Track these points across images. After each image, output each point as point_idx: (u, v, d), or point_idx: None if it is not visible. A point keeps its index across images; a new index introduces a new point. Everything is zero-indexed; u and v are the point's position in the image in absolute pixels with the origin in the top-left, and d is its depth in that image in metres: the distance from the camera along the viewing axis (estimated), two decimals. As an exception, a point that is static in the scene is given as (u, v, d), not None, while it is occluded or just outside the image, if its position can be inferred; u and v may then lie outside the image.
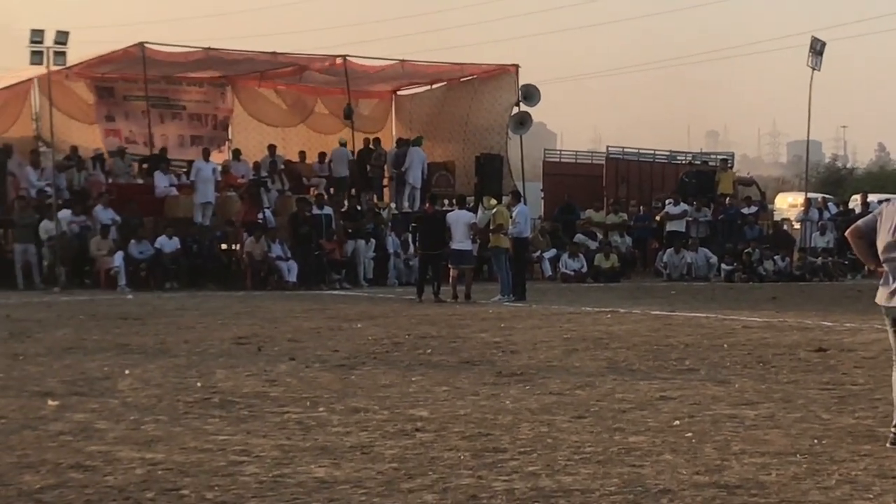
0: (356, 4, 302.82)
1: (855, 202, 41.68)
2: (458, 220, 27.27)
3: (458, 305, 25.50)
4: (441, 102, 40.36)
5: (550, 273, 34.31)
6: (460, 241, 26.99)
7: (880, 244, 10.79)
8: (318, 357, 16.30)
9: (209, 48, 35.47)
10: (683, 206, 36.30)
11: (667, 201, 37.08)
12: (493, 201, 29.14)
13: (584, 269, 33.33)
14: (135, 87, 36.77)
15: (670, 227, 35.92)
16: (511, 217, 27.66)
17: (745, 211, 37.70)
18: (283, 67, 38.03)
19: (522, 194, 36.87)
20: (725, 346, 17.71)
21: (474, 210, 30.12)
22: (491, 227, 28.01)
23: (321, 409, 12.12)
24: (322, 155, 38.12)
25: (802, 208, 39.79)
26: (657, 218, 36.91)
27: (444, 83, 40.47)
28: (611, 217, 36.72)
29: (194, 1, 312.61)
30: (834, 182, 67.60)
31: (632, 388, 13.54)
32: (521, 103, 37.61)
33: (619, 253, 34.56)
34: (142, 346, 17.59)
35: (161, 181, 33.62)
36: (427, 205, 29.21)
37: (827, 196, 50.10)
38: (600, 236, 35.84)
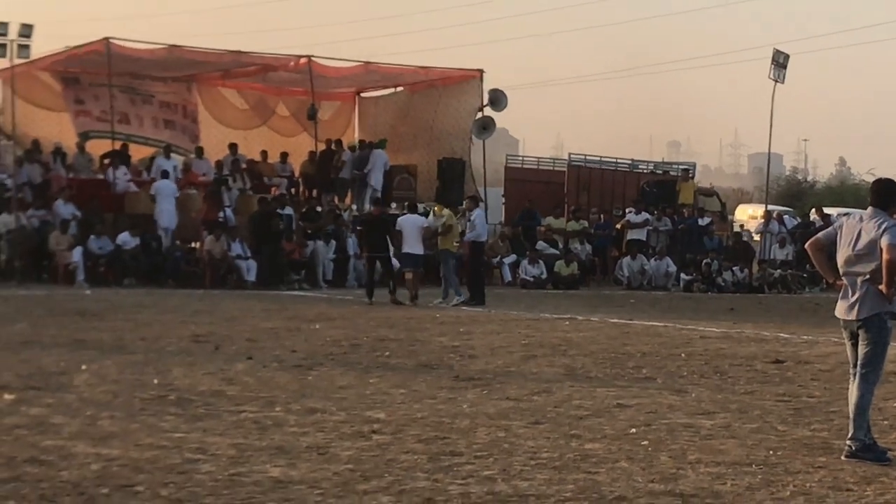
0: (322, 5, 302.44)
1: (813, 216, 41.90)
2: (410, 224, 27.44)
3: (417, 308, 25.49)
4: (405, 106, 40.34)
5: (510, 278, 34.33)
6: (411, 245, 27.16)
7: (840, 257, 10.87)
8: (275, 357, 16.28)
9: (173, 46, 35.34)
10: (645, 215, 36.42)
11: (627, 210, 37.19)
12: (445, 210, 29.07)
13: (544, 276, 33.37)
14: (101, 80, 36.57)
15: (631, 235, 36.02)
16: (470, 220, 27.75)
17: (705, 222, 37.85)
18: (246, 67, 37.91)
19: (484, 199, 36.94)
20: (683, 355, 17.77)
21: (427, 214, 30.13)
22: (440, 230, 28.03)
23: (278, 408, 12.10)
24: (284, 155, 38.06)
25: (762, 220, 39.97)
26: (618, 226, 36.99)
27: (409, 86, 40.45)
28: (571, 224, 36.76)
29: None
30: (794, 195, 67.93)
31: (589, 395, 13.57)
32: (486, 108, 37.63)
33: (579, 260, 34.60)
34: (99, 342, 17.53)
35: (121, 176, 33.52)
36: (373, 207, 29.32)
37: (787, 209, 50.43)
38: (561, 243, 35.86)
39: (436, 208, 29.59)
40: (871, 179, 56.50)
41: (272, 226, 31.32)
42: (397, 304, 26.14)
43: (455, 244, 28.01)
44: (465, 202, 29.85)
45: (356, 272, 32.09)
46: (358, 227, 31.11)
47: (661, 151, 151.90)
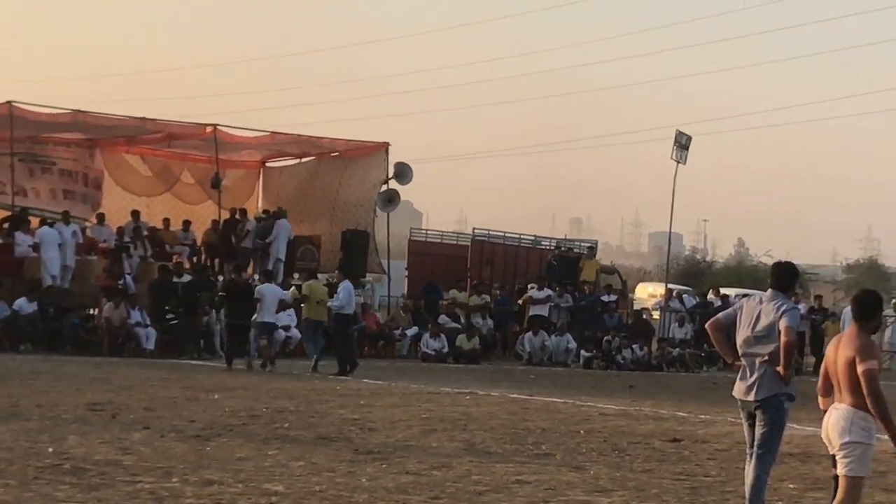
0: (229, 74, 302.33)
1: (712, 296, 42.32)
2: (270, 293, 27.96)
3: (317, 380, 25.35)
4: (310, 176, 40.34)
5: (406, 351, 34.30)
6: (268, 313, 27.72)
7: (739, 338, 11.01)
8: (173, 427, 16.10)
9: (78, 111, 35.10)
10: (547, 291, 36.60)
11: (530, 286, 37.34)
12: (312, 281, 29.43)
13: (446, 350, 33.38)
14: (1, 145, 36.12)
15: (533, 311, 36.15)
16: (337, 292, 28.01)
17: (606, 299, 38.12)
18: (152, 133, 37.72)
19: (387, 271, 36.99)
20: (582, 432, 17.83)
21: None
22: (293, 300, 29.54)
23: (174, 479, 11.96)
24: (186, 223, 37.84)
25: (662, 298, 40.32)
26: (520, 301, 37.12)
27: (314, 157, 40.47)
28: (474, 298, 36.84)
29: (66, 62, 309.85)
30: (693, 274, 68.43)
31: (488, 470, 13.56)
32: (391, 181, 37.75)
33: (481, 335, 34.67)
34: (-8, 409, 17.24)
35: (21, 241, 33.07)
36: (234, 274, 29.72)
37: (686, 288, 50.84)
38: (462, 317, 35.91)
39: (304, 286, 29.91)
40: (768, 261, 57.49)
41: (199, 296, 31.14)
42: (250, 370, 26.84)
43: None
44: (336, 272, 30.20)
45: (256, 342, 31.85)
46: (221, 294, 31.10)
47: (563, 228, 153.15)
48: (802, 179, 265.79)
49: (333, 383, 24.71)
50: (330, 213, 38.87)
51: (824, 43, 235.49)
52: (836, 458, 9.62)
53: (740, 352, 11.00)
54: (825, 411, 9.83)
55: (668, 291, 39.97)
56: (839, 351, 9.57)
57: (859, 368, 9.33)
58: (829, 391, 9.78)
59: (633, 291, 54.49)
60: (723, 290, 42.71)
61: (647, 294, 55.54)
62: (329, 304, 28.28)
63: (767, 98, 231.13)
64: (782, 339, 10.60)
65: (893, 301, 38.85)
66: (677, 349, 35.24)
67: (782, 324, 10.65)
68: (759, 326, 10.83)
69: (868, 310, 9.77)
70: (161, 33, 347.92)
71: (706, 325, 11.53)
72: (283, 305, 29.02)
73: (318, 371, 26.80)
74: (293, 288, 31.87)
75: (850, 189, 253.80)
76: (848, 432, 9.45)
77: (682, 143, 36.67)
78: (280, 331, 30.21)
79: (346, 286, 28.17)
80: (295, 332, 31.21)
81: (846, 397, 9.50)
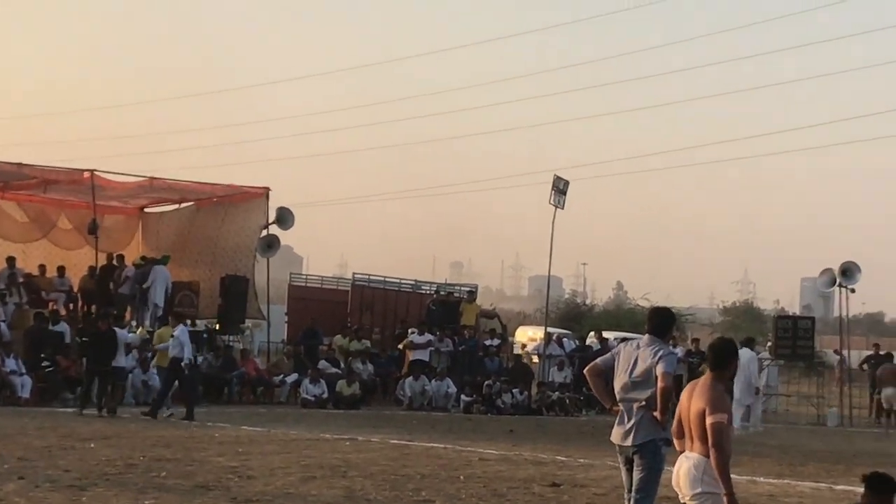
0: (108, 118, 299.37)
1: (592, 339, 42.65)
2: (119, 339, 28.21)
3: (195, 427, 25.10)
4: (190, 222, 40.01)
5: (286, 397, 34.08)
6: (118, 358, 27.97)
7: (617, 384, 11.13)
8: (48, 477, 15.84)
9: (-51, 156, 34.51)
10: (428, 336, 36.61)
11: (410, 331, 37.35)
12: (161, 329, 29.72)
13: (326, 395, 33.21)
14: None
15: (413, 355, 36.13)
16: (174, 335, 28.06)
17: (487, 343, 38.24)
18: (28, 179, 37.17)
19: (267, 317, 36.77)
20: (462, 477, 17.83)
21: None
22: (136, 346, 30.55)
23: (49, 531, 11.77)
24: (62, 269, 37.32)
25: (542, 342, 40.53)
26: (400, 346, 37.10)
27: (193, 203, 40.19)
28: (354, 344, 36.76)
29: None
30: (573, 318, 68.93)
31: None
32: (271, 226, 37.63)
33: (361, 380, 34.57)
34: None
35: None
36: (99, 322, 29.52)
37: (566, 331, 51.19)
38: (343, 362, 35.79)
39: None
40: (646, 304, 58.01)
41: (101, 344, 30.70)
42: (107, 416, 26.79)
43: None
44: (170, 319, 30.41)
45: (133, 389, 31.49)
46: (84, 339, 30.75)
47: (443, 271, 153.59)
48: (680, 222, 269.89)
49: (211, 431, 24.47)
50: (210, 258, 38.59)
51: (700, 88, 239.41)
52: None
53: (618, 397, 11.11)
54: (680, 452, 9.94)
55: (548, 335, 40.19)
56: (692, 400, 9.69)
57: (708, 420, 9.43)
58: (682, 433, 9.89)
59: (513, 335, 54.73)
60: (603, 334, 43.07)
61: (528, 337, 55.80)
62: (160, 348, 28.86)
63: (645, 142, 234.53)
64: (659, 384, 10.73)
65: (769, 344, 39.37)
66: (557, 393, 35.40)
67: (659, 369, 10.78)
68: (637, 372, 10.96)
69: (723, 358, 9.88)
70: (38, 76, 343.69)
71: (584, 371, 11.63)
72: (128, 349, 29.26)
73: (157, 417, 26.75)
74: (140, 330, 32.00)
75: (728, 232, 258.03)
76: (700, 482, 9.56)
77: (560, 189, 36.92)
78: (130, 375, 30.26)
79: (181, 331, 28.19)
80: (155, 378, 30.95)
81: (697, 446, 9.61)
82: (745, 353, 31.53)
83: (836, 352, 49.06)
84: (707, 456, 9.49)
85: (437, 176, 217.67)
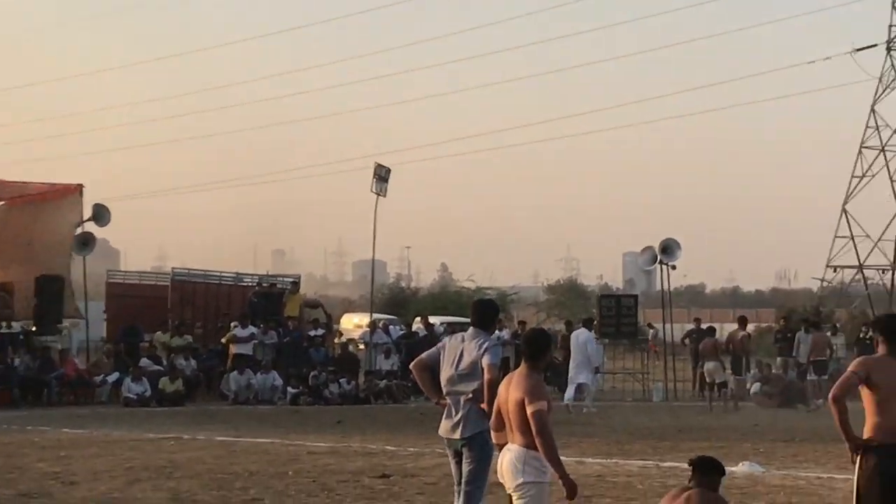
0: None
1: (418, 325, 42.66)
2: None
3: (14, 432, 24.44)
4: (1, 221, 38.96)
5: (107, 397, 33.39)
6: None
7: (443, 377, 11.07)
8: None
9: None
10: (251, 329, 36.19)
11: (232, 324, 36.89)
12: None
13: (148, 393, 32.61)
14: None
15: (237, 349, 35.68)
16: None
17: (311, 333, 37.96)
18: None
19: (85, 315, 36.00)
20: (290, 473, 17.65)
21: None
22: None
23: None
24: None
25: (368, 329, 40.40)
26: (223, 340, 36.63)
27: (4, 202, 39.12)
28: (175, 339, 36.17)
29: None
30: (399, 303, 68.98)
31: (195, 521, 13.23)
32: (87, 223, 36.84)
33: (185, 376, 34.03)
34: None
35: None
36: None
37: (392, 317, 51.18)
38: (165, 359, 35.20)
39: None
40: (471, 285, 57.98)
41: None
42: None
43: None
44: None
45: None
46: None
47: (266, 260, 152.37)
48: (503, 202, 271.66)
49: (31, 435, 23.84)
50: (23, 258, 37.54)
51: (521, 68, 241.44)
52: (513, 498, 9.73)
53: (445, 390, 11.05)
54: (499, 446, 9.94)
55: (374, 323, 40.07)
56: (510, 391, 9.68)
57: (528, 410, 9.43)
58: (501, 426, 9.88)
59: (338, 322, 54.53)
60: (430, 319, 43.11)
61: (353, 325, 55.69)
62: None
63: (466, 125, 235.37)
64: (485, 376, 10.69)
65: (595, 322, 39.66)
66: (385, 381, 35.31)
67: (485, 361, 10.75)
68: (463, 365, 10.91)
69: (538, 349, 9.88)
70: None
71: (410, 366, 11.55)
72: None
73: None
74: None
75: (550, 210, 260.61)
76: (522, 473, 9.55)
77: (382, 176, 36.74)
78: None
79: None
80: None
81: (517, 437, 9.61)
82: (582, 333, 31.90)
83: (649, 325, 50.04)
84: (528, 446, 9.49)
85: (258, 164, 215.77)
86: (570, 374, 31.10)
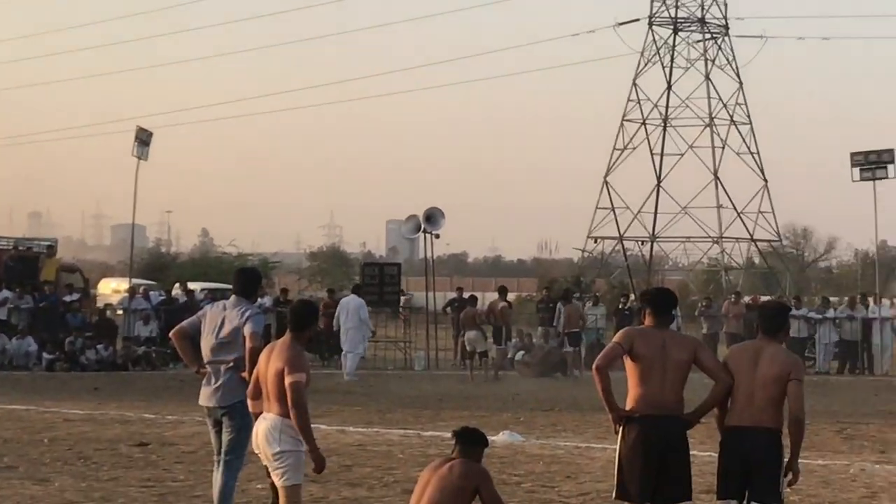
0: None
1: (177, 291, 42.13)
2: None
3: None
4: None
5: None
6: None
7: (204, 346, 10.97)
8: None
9: None
10: (6, 293, 35.22)
11: (-12, 289, 35.83)
12: None
13: None
14: None
15: (-5, 314, 34.68)
16: None
17: (68, 299, 37.13)
18: None
19: None
20: (46, 440, 17.31)
21: None
22: None
23: None
24: None
25: (126, 295, 39.73)
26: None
27: None
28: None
29: None
30: (159, 268, 67.84)
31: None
32: None
33: (-64, 341, 32.98)
34: None
35: None
36: None
37: (151, 282, 50.39)
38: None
39: None
40: (233, 251, 57.33)
41: None
42: None
43: None
44: None
45: None
46: None
47: (22, 223, 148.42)
48: (265, 167, 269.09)
49: None
50: None
51: (274, 36, 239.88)
52: (270, 468, 9.74)
53: (206, 359, 10.95)
54: (255, 415, 9.91)
55: (133, 288, 39.41)
56: (271, 360, 9.68)
57: (287, 380, 9.47)
58: (259, 395, 9.87)
59: (96, 287, 53.46)
60: (189, 285, 42.63)
61: (111, 290, 54.69)
62: None
63: (227, 89, 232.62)
64: (247, 344, 10.63)
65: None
66: (143, 347, 34.79)
67: (247, 330, 10.69)
68: (224, 333, 10.84)
69: (303, 320, 9.88)
70: None
71: (170, 334, 11.40)
72: None
73: None
74: None
75: (312, 176, 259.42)
76: (279, 442, 9.58)
77: (143, 140, 36.14)
78: None
79: None
80: None
81: (274, 406, 9.63)
82: (353, 300, 31.90)
83: (401, 292, 50.18)
84: (284, 416, 9.51)
85: (12, 126, 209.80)
86: (346, 345, 31.06)
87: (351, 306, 31.45)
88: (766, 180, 65.32)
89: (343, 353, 31.27)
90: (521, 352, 33.77)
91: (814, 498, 13.58)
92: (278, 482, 9.66)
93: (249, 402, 10.03)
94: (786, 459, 9.33)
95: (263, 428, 9.65)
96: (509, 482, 14.15)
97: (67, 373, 31.81)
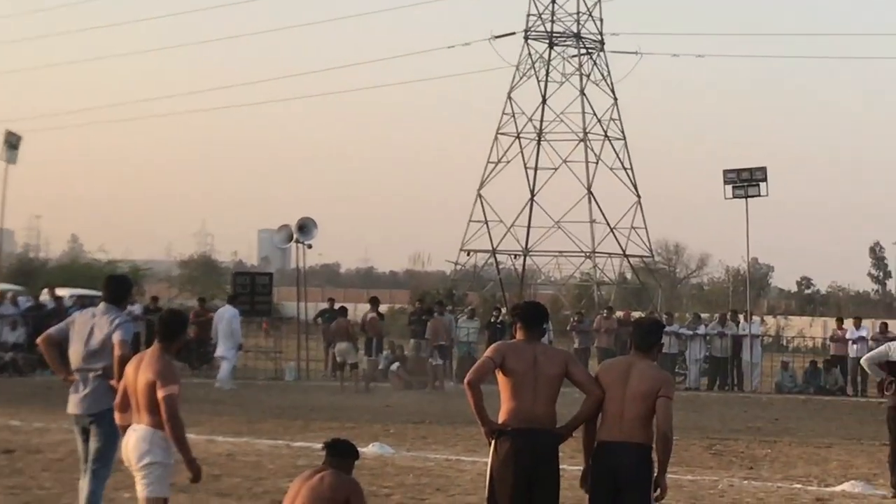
0: None
1: (45, 296, 41.51)
2: None
3: None
4: None
5: None
6: None
7: (73, 353, 10.84)
8: None
9: None
10: None
11: None
12: None
13: None
14: None
15: None
16: None
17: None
18: None
19: None
20: None
21: None
22: None
23: None
24: None
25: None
26: None
27: None
28: None
29: None
30: (27, 273, 66.77)
31: None
32: None
33: None
34: None
35: None
36: None
37: (19, 288, 49.57)
38: None
39: None
40: (103, 256, 56.41)
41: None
42: None
43: None
44: None
45: None
46: None
47: None
48: (137, 173, 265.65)
49: None
50: None
51: (157, 39, 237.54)
52: (136, 479, 9.65)
53: (74, 367, 10.82)
54: (123, 427, 9.81)
55: (1, 293, 38.77)
56: (140, 372, 9.59)
57: (160, 394, 9.41)
58: (127, 407, 9.77)
59: (-38, 292, 52.44)
60: (58, 291, 42.03)
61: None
62: None
63: (99, 94, 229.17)
64: (116, 352, 10.53)
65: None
66: (10, 353, 34.25)
67: (116, 338, 10.58)
68: (93, 341, 10.71)
69: (172, 332, 9.82)
70: None
71: (38, 341, 11.25)
72: None
73: None
74: None
75: (185, 183, 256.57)
76: (149, 453, 9.52)
77: (12, 143, 35.66)
78: None
79: None
80: None
81: (145, 417, 9.56)
82: (228, 310, 31.82)
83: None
84: (155, 427, 9.45)
85: None
86: (221, 354, 31.07)
87: (225, 317, 31.47)
88: (639, 196, 65.99)
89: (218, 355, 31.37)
90: (396, 363, 33.80)
91: (680, 512, 13.74)
92: (143, 493, 9.57)
93: (117, 414, 9.91)
94: (655, 475, 9.43)
95: (134, 439, 9.56)
96: (379, 494, 14.15)
97: None
